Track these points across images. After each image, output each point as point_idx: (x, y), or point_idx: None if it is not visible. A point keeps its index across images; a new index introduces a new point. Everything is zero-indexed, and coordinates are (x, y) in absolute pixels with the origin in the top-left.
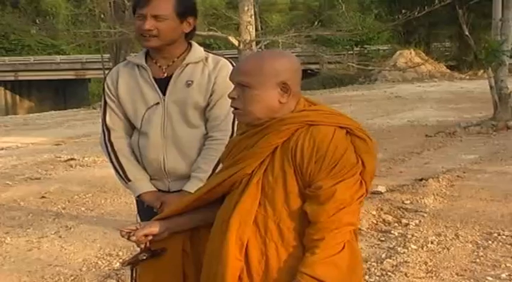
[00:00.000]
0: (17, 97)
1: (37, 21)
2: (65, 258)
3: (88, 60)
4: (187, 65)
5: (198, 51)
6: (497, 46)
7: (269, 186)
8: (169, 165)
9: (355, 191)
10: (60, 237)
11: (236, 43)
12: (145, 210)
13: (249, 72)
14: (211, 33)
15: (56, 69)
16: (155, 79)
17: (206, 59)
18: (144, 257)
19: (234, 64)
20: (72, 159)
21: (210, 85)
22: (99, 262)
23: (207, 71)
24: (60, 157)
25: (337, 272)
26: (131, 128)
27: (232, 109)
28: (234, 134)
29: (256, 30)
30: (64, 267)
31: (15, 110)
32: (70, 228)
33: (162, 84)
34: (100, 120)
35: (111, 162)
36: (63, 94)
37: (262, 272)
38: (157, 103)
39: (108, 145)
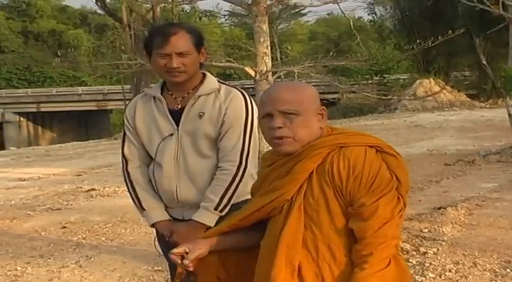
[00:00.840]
0: (39, 128)
1: (59, 53)
2: None
3: (109, 91)
4: (199, 96)
5: (211, 82)
6: None
7: (312, 209)
8: (182, 195)
9: (395, 205)
10: (80, 266)
11: (253, 74)
12: (163, 237)
13: (293, 100)
14: (228, 64)
15: (78, 100)
16: (170, 110)
17: (218, 90)
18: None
19: (246, 95)
20: (93, 189)
21: (221, 116)
22: None
23: (218, 102)
24: (81, 187)
25: None
26: (149, 157)
27: (276, 140)
28: (243, 165)
29: (276, 60)
30: None
31: (37, 141)
32: (90, 257)
33: (177, 115)
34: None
35: (129, 191)
36: (85, 125)
37: None
38: (172, 134)
39: (126, 174)
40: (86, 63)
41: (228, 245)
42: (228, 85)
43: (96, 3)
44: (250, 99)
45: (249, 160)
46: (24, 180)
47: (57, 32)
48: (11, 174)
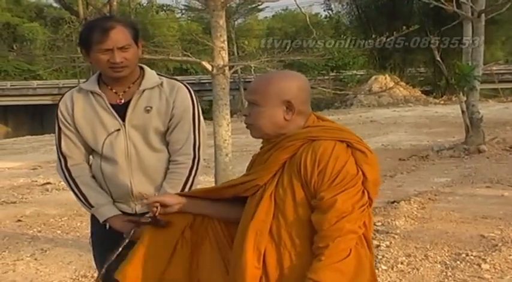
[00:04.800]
0: None
1: (14, 46)
2: (40, 280)
3: (65, 85)
4: (143, 90)
5: (152, 76)
6: (468, 71)
7: (280, 199)
8: (137, 189)
9: (357, 200)
10: (35, 259)
11: (209, 68)
12: (100, 233)
13: (257, 90)
14: (185, 58)
15: (33, 94)
16: (112, 105)
17: (161, 84)
18: (146, 221)
19: (188, 86)
20: (48, 183)
21: (169, 110)
22: None
23: (164, 96)
24: (36, 181)
25: (342, 277)
26: (88, 153)
27: (246, 126)
28: (197, 157)
29: (233, 55)
30: None
31: None
32: (45, 250)
33: (120, 110)
34: (55, 147)
35: (71, 189)
36: (40, 119)
37: (278, 279)
38: (118, 129)
39: (66, 172)
40: (41, 56)
41: (202, 210)
42: (168, 77)
43: None
44: (193, 90)
45: (201, 151)
46: None
47: (12, 25)
48: None
